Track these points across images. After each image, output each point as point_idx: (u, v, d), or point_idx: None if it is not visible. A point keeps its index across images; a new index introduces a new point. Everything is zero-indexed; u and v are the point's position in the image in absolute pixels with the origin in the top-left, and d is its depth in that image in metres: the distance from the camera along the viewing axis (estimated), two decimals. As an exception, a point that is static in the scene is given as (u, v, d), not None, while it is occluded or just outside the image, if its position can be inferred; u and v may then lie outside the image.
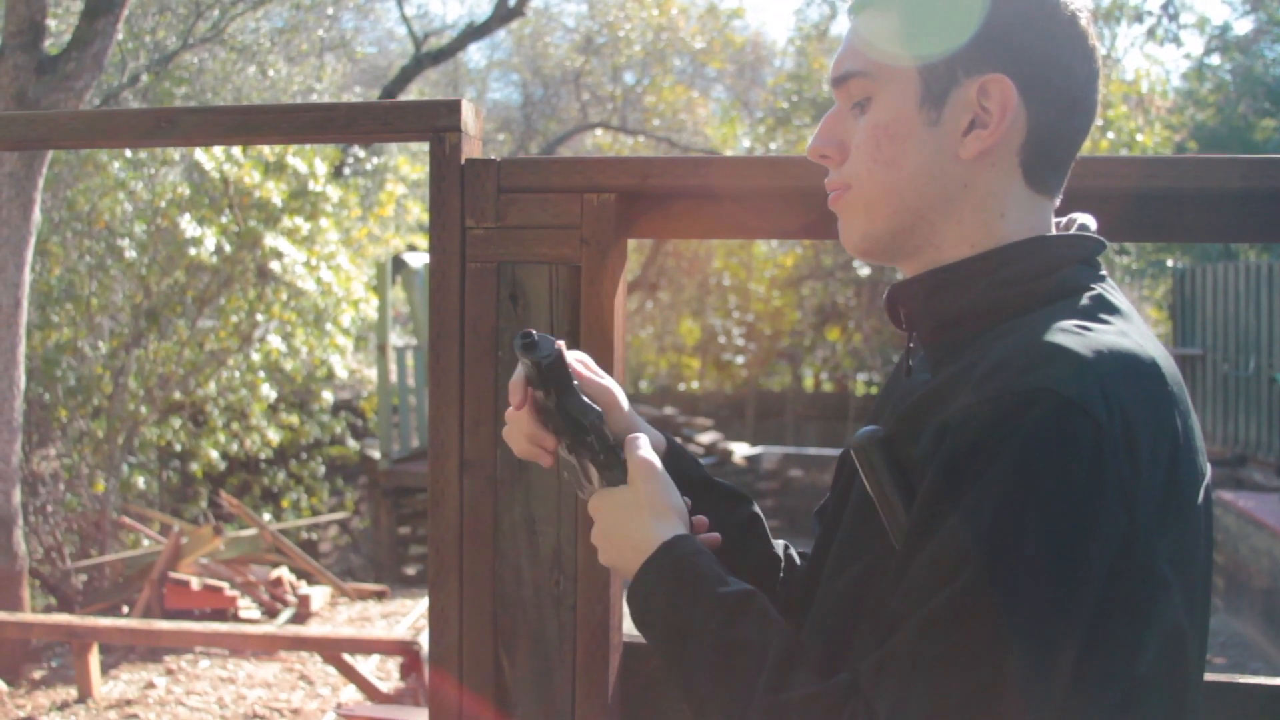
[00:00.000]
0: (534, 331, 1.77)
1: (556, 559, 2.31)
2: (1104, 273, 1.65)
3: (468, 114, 2.35)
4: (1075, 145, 1.67)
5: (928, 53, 1.61)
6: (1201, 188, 2.21)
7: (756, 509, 2.05)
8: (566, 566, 2.31)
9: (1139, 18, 27.43)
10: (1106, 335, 1.48)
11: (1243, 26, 27.57)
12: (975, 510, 1.38)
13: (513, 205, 2.31)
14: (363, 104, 2.42)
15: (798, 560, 2.05)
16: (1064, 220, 1.73)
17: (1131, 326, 1.55)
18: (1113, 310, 1.56)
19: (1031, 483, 1.37)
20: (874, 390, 26.23)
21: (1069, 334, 1.46)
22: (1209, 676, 2.28)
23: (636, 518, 1.75)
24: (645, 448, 1.82)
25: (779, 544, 2.06)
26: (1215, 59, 27.07)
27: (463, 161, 2.33)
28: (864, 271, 24.46)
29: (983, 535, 1.37)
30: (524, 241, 2.30)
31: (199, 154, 12.16)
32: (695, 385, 28.07)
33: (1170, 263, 23.18)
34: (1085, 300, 1.57)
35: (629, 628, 2.39)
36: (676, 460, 1.97)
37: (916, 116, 1.62)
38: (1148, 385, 1.48)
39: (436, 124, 2.33)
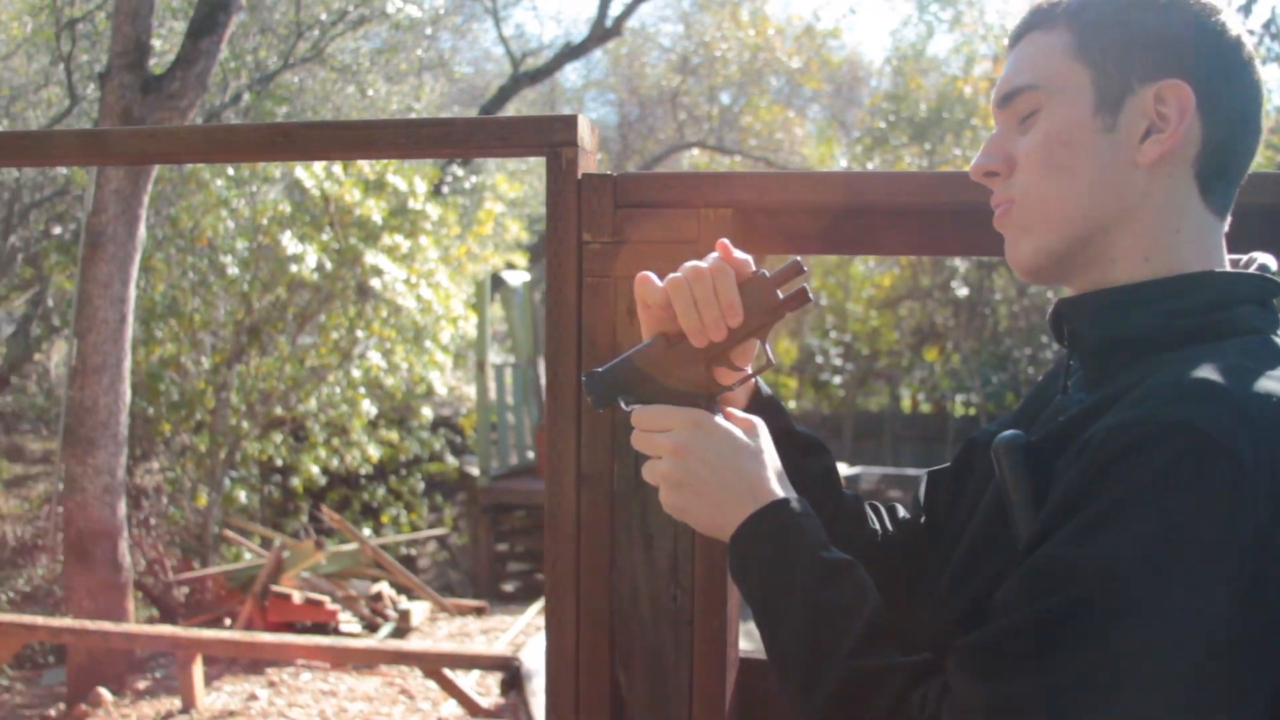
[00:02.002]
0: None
1: (674, 573, 2.30)
2: None
3: (584, 129, 2.35)
4: (1245, 164, 1.66)
5: (1100, 60, 1.61)
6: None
7: (832, 460, 2.04)
8: (684, 581, 2.30)
9: (1242, 36, 27.08)
10: (1269, 381, 1.45)
11: (1348, 44, 27.15)
12: (1096, 529, 1.37)
13: (629, 220, 2.31)
14: (480, 119, 2.43)
15: (872, 519, 2.05)
16: (1244, 258, 1.71)
17: None
18: None
19: (1156, 515, 1.35)
20: (972, 411, 26.05)
21: (1230, 374, 1.44)
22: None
23: (758, 463, 1.72)
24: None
25: (849, 495, 2.05)
26: (1320, 77, 26.72)
27: (579, 176, 2.33)
28: (962, 292, 24.29)
29: (1098, 555, 1.37)
30: (641, 256, 2.30)
31: (299, 172, 12.28)
32: (792, 405, 27.98)
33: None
34: (1254, 342, 1.54)
35: (746, 644, 2.38)
36: (765, 406, 1.98)
37: (1090, 122, 1.61)
38: None
39: (553, 139, 2.34)
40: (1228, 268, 1.65)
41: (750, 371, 1.82)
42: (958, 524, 1.81)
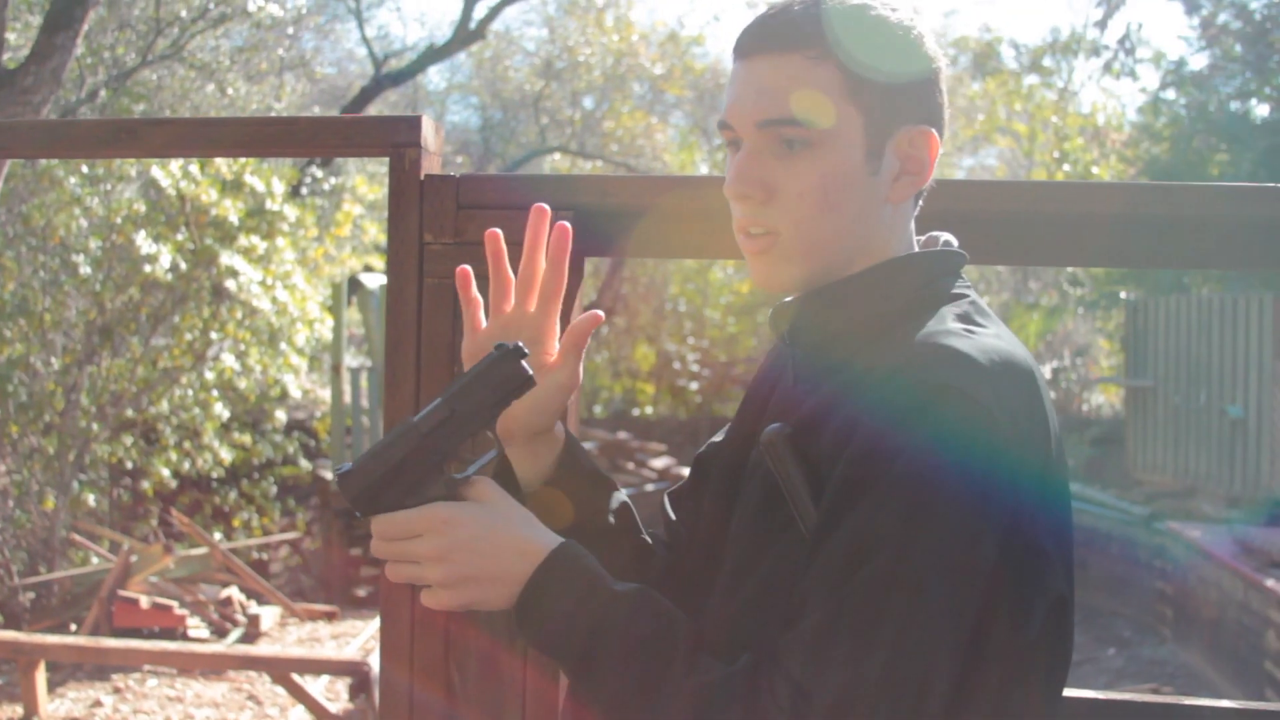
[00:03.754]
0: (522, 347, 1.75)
1: (509, 574, 2.31)
2: (969, 283, 1.80)
3: (428, 130, 2.36)
4: None
5: (870, 106, 1.71)
6: (1139, 213, 2.24)
7: (625, 496, 2.05)
8: (519, 582, 2.30)
9: (1096, 51, 27.62)
10: (987, 337, 1.66)
11: (1198, 62, 27.72)
12: (888, 496, 1.51)
13: (471, 221, 2.32)
14: (324, 118, 2.43)
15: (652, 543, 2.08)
16: (925, 238, 1.88)
17: (1003, 330, 1.74)
18: (986, 315, 1.75)
19: (938, 469, 1.51)
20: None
21: (959, 337, 1.63)
22: (1159, 699, 2.32)
23: (515, 525, 1.72)
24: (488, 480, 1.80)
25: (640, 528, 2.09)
26: (1171, 93, 27.24)
27: (422, 177, 2.34)
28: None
29: (896, 519, 1.51)
30: (482, 257, 2.30)
31: (155, 171, 12.10)
32: (649, 410, 27.95)
33: (1123, 294, 23.33)
34: (963, 307, 1.73)
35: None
36: (571, 451, 1.99)
37: (863, 167, 1.72)
38: (1024, 381, 1.65)
39: (396, 140, 2.34)
40: (916, 249, 1.83)
41: (481, 462, 1.80)
42: (707, 533, 1.90)
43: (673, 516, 2.11)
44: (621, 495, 2.04)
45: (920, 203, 1.84)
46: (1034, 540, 1.59)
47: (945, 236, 1.88)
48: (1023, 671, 1.62)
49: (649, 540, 2.07)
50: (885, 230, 1.76)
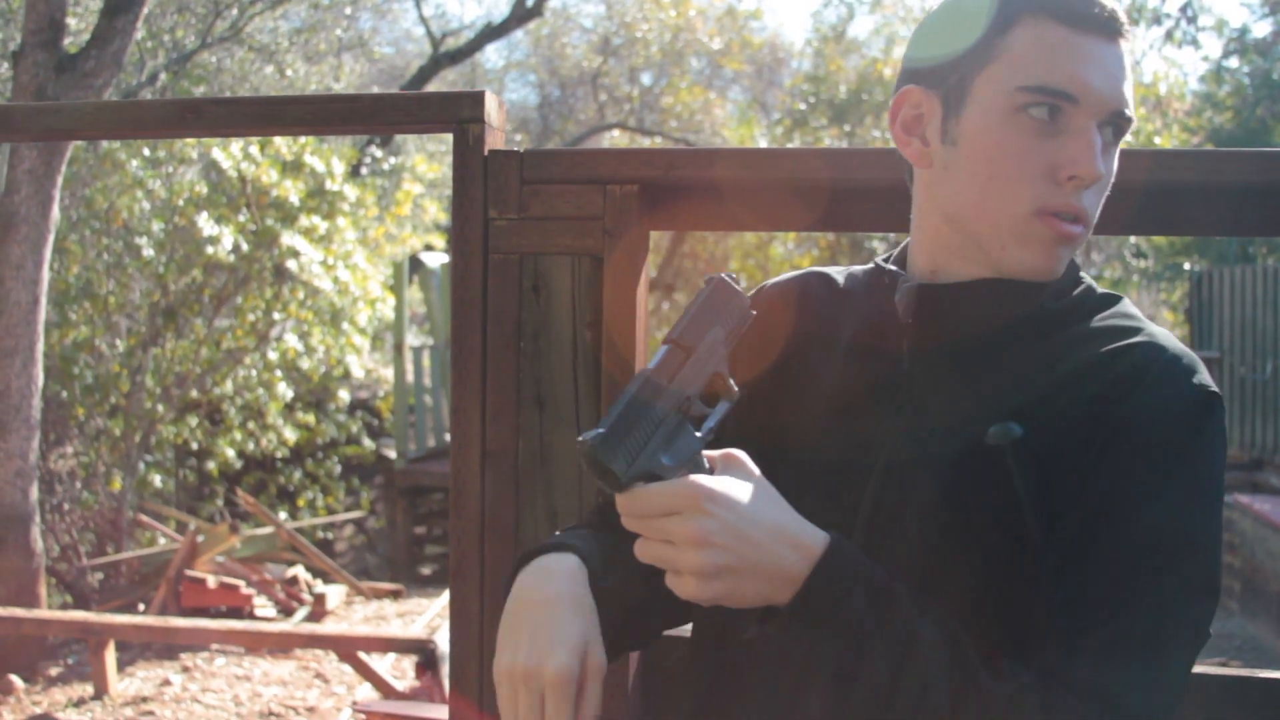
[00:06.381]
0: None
1: (578, 550, 2.30)
2: None
3: (491, 105, 2.34)
4: None
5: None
6: (1212, 181, 2.20)
7: None
8: (588, 558, 2.30)
9: (1158, 20, 27.32)
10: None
11: (1261, 29, 27.36)
12: (1176, 501, 1.53)
13: (535, 197, 2.31)
14: (387, 95, 2.42)
15: None
16: None
17: None
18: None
19: (1218, 474, 1.56)
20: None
21: (1176, 340, 1.63)
22: (1227, 672, 2.29)
23: (781, 508, 1.47)
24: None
25: None
26: (1233, 62, 26.89)
27: (486, 153, 2.32)
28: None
29: (1182, 524, 1.53)
30: (547, 233, 2.30)
31: (216, 152, 12.17)
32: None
33: (1187, 266, 23.12)
34: (1129, 306, 1.70)
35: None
36: None
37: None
38: None
39: (460, 115, 2.33)
40: None
41: (721, 411, 1.54)
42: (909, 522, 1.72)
43: None
44: None
45: None
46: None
47: None
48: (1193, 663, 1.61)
49: None
50: None
